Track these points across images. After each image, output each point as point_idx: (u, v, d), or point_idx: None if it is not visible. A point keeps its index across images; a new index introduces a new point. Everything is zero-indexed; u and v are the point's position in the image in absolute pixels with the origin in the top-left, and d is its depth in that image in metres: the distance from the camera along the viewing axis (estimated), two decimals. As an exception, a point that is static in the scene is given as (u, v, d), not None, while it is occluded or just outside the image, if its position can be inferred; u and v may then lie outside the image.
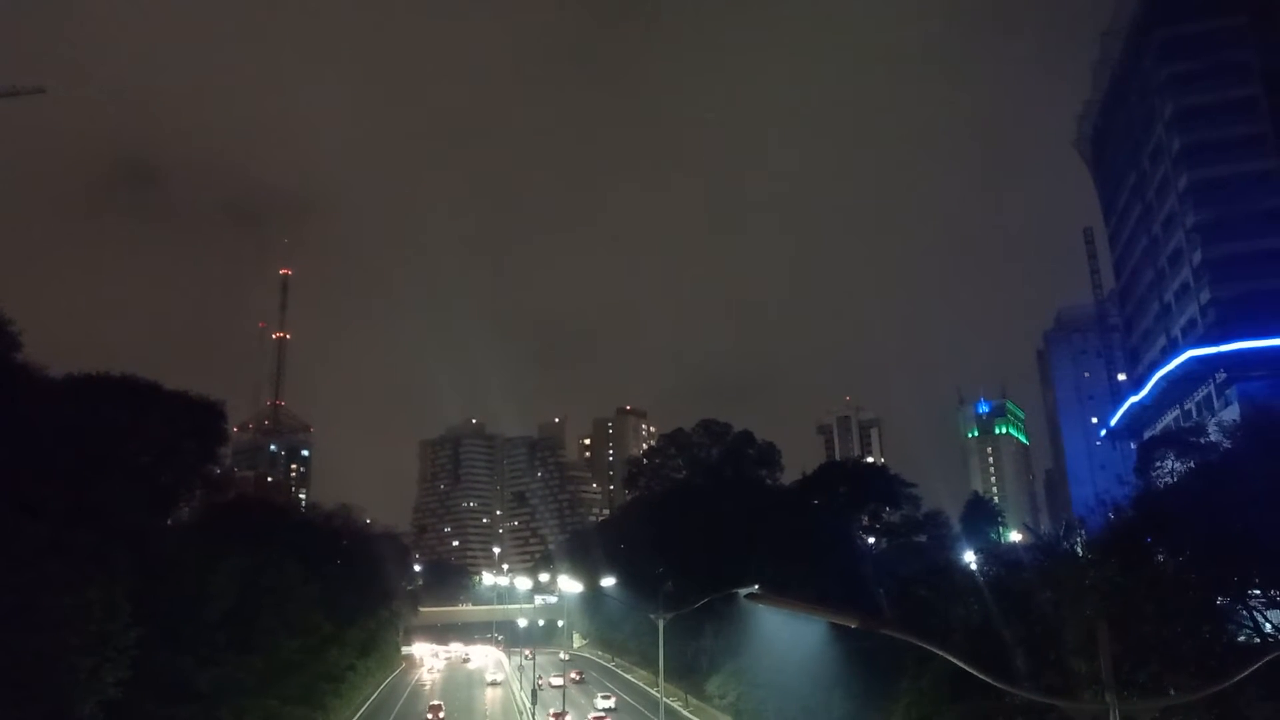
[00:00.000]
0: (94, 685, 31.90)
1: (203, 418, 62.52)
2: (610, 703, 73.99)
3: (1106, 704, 13.57)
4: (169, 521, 58.57)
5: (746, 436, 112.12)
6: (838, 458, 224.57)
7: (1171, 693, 24.67)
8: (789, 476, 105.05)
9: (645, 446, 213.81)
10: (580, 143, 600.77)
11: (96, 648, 31.67)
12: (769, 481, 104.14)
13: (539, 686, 74.92)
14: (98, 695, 32.25)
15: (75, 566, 31.02)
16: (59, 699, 30.12)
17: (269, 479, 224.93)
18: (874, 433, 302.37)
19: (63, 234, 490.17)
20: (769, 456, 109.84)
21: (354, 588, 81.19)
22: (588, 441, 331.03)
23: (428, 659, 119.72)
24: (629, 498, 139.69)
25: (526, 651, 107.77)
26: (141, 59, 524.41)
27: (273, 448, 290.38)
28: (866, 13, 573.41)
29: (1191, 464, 45.26)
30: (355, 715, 72.88)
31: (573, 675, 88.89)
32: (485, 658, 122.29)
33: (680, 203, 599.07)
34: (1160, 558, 32.89)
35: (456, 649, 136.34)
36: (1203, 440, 53.21)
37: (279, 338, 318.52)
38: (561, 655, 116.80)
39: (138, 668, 34.16)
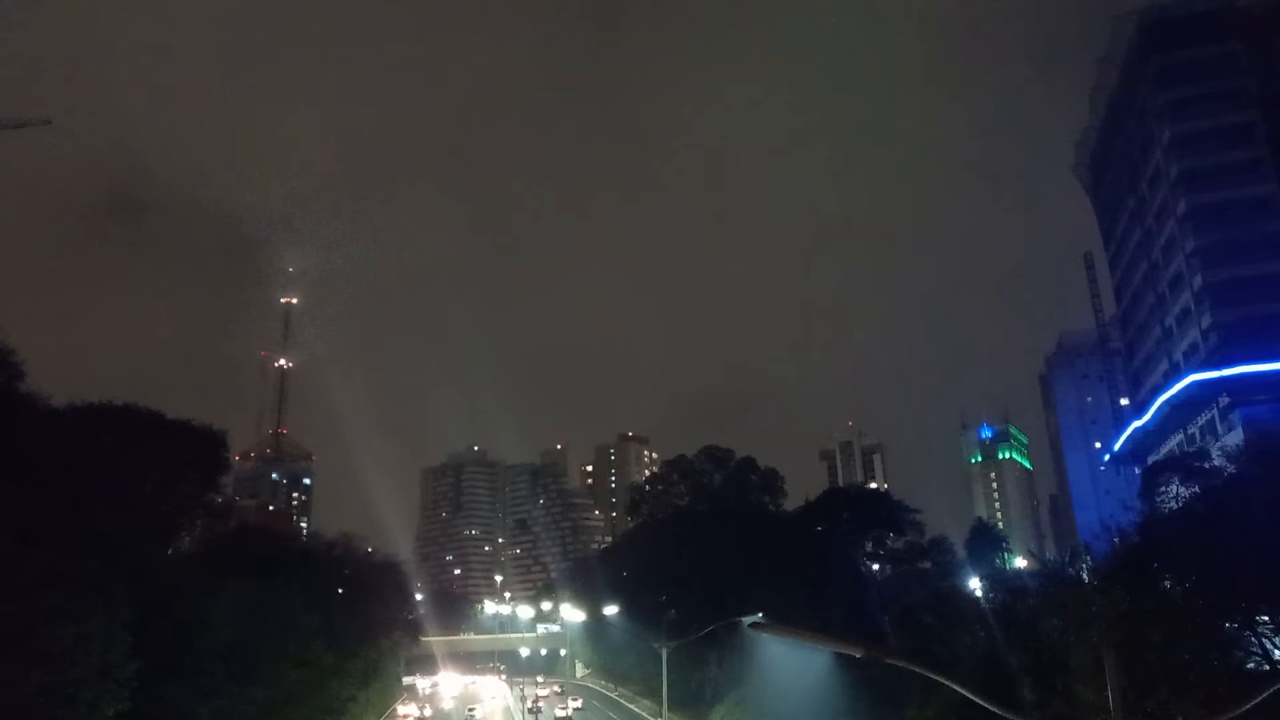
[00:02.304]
0: (94, 717, 31.62)
1: (204, 446, 62.36)
2: (578, 703, 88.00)
3: (1115, 733, 13.46)
4: (170, 551, 58.32)
5: (749, 463, 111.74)
6: (840, 483, 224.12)
7: (1180, 721, 24.46)
8: (792, 502, 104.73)
9: (647, 473, 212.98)
10: (572, 166, 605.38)
11: (96, 680, 31.42)
12: (772, 508, 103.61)
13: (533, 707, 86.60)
14: (97, 728, 31.98)
15: (76, 597, 30.86)
16: (58, 732, 29.88)
17: (270, 507, 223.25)
18: (876, 458, 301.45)
19: (54, 266, 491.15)
20: (772, 483, 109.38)
21: (355, 617, 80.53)
22: (589, 468, 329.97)
23: (413, 706, 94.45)
24: (631, 525, 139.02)
25: (501, 677, 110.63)
26: (122, 90, 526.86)
27: (274, 476, 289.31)
28: (858, 38, 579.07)
29: (1196, 489, 45.08)
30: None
31: (554, 688, 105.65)
32: (493, 699, 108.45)
33: (676, 226, 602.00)
34: (1167, 584, 32.69)
35: (457, 684, 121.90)
36: (1207, 465, 53.13)
37: (280, 366, 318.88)
38: (538, 679, 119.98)
39: (138, 699, 33.85)
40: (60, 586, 30.39)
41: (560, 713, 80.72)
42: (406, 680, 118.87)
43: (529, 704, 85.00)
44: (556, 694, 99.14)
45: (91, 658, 30.90)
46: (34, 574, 29.68)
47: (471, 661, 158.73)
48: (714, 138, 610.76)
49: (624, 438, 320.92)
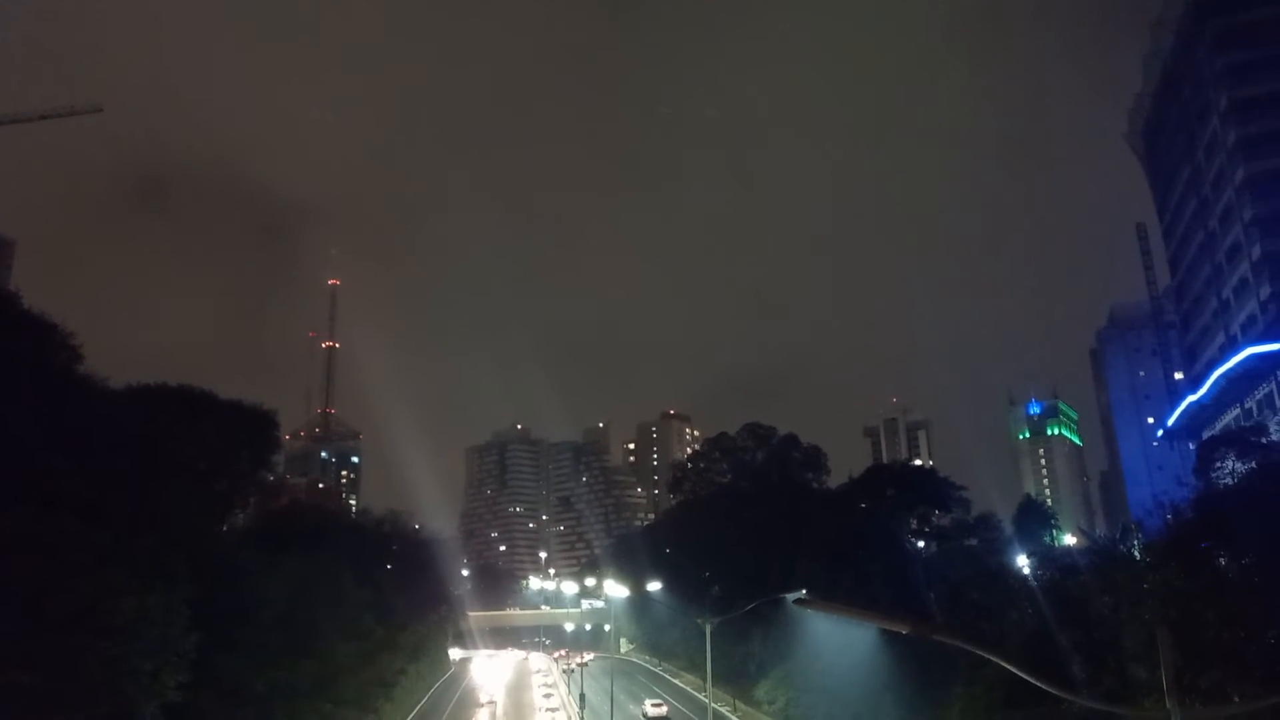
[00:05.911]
0: (155, 688, 32.68)
1: (256, 426, 63.79)
2: (590, 656, 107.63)
3: (1168, 711, 13.28)
4: (225, 527, 59.81)
5: (792, 439, 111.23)
6: (885, 460, 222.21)
7: (1236, 700, 24.03)
8: (835, 479, 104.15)
9: (689, 450, 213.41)
10: (599, 146, 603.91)
11: (157, 652, 32.45)
12: (815, 485, 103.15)
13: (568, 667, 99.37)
14: (159, 698, 33.02)
15: (137, 573, 31.84)
16: (123, 701, 30.92)
17: (320, 485, 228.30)
18: (922, 435, 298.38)
19: (97, 249, 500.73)
20: (815, 459, 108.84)
21: (404, 592, 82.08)
22: (631, 446, 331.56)
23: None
24: (674, 502, 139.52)
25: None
26: (149, 76, 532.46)
27: (324, 454, 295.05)
28: (885, 8, 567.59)
29: (1253, 464, 44.10)
30: (407, 717, 73.77)
31: (567, 650, 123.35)
32: (551, 682, 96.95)
33: (706, 202, 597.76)
34: (1222, 561, 32.05)
35: (503, 672, 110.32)
36: (1265, 440, 51.91)
37: (328, 346, 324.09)
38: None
39: (197, 671, 34.90)
40: (121, 562, 31.36)
41: (577, 661, 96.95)
42: (454, 654, 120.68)
43: (554, 656, 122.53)
44: (570, 654, 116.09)
45: (152, 630, 31.88)
46: (96, 550, 30.64)
47: (517, 636, 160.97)
48: (746, 112, 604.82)
49: (665, 415, 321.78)
